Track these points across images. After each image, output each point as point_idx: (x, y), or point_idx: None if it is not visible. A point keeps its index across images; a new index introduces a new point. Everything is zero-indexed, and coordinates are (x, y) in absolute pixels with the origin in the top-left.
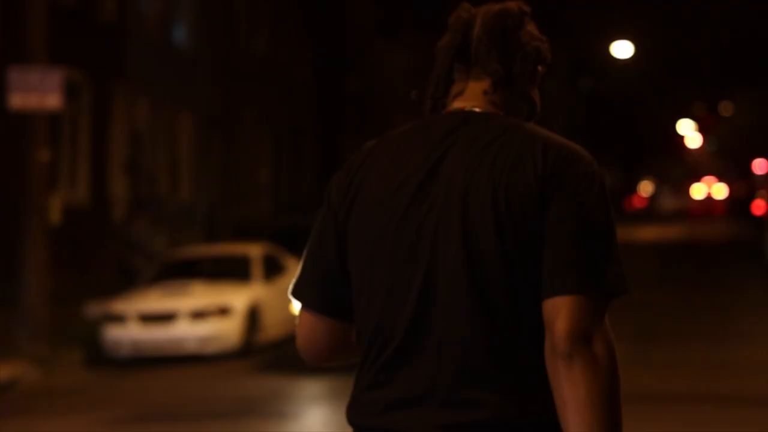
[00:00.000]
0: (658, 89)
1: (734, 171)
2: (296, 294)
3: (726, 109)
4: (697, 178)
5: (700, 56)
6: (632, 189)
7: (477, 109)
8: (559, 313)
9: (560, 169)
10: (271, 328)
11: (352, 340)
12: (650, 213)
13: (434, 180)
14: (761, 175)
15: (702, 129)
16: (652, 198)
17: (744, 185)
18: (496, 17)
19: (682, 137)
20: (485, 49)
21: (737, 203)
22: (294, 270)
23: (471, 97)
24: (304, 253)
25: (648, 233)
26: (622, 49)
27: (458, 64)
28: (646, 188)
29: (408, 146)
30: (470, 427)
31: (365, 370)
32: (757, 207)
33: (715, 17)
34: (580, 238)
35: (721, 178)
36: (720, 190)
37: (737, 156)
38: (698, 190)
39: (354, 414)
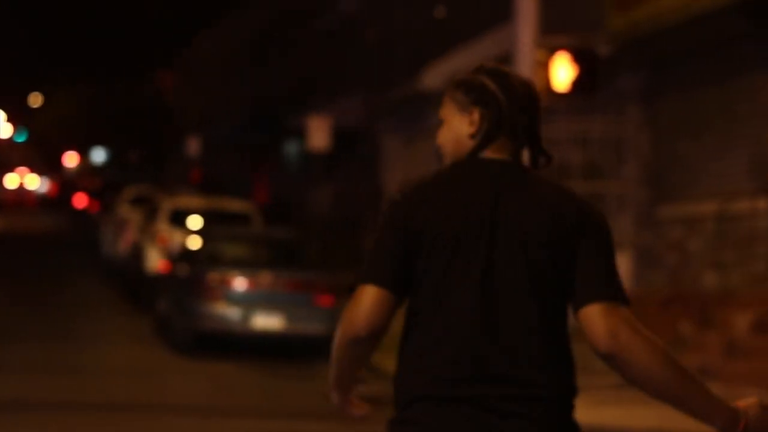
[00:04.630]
0: None
1: (47, 163)
2: (366, 276)
3: (36, 100)
4: (10, 169)
5: (12, 47)
6: None
7: (506, 159)
8: (596, 317)
9: (585, 218)
10: None
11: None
12: None
13: (496, 219)
14: (72, 168)
15: (12, 119)
16: None
17: (59, 177)
18: (533, 96)
19: None
20: (516, 119)
21: (54, 195)
22: None
23: (500, 150)
24: (368, 254)
25: None
26: None
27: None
28: None
29: (464, 188)
30: (522, 400)
31: (429, 350)
32: (79, 200)
33: (32, 14)
34: (603, 265)
35: (33, 169)
36: (33, 181)
37: (48, 148)
38: (11, 181)
39: (416, 384)
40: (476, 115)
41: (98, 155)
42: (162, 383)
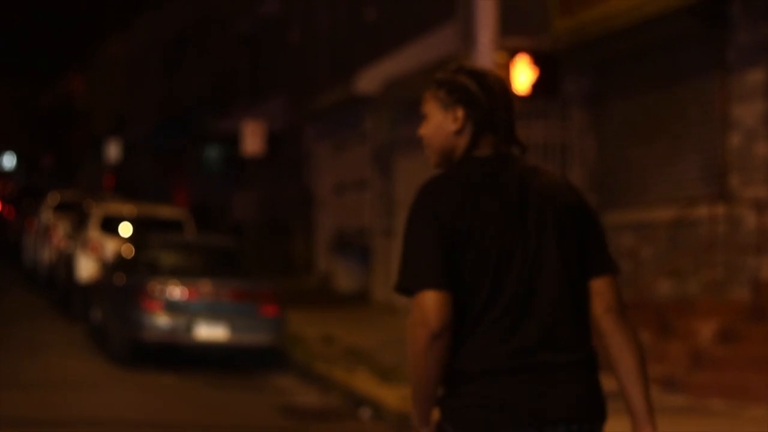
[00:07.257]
0: None
1: None
2: (421, 282)
3: None
4: None
5: None
6: None
7: (501, 153)
8: (609, 286)
9: (581, 199)
10: None
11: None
12: None
13: (526, 205)
14: None
15: None
16: None
17: None
18: (508, 93)
19: None
20: (505, 119)
21: None
22: None
23: (486, 146)
24: (413, 254)
25: None
26: None
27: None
28: None
29: (491, 184)
30: (570, 365)
31: (482, 330)
32: None
33: None
34: (603, 239)
35: None
36: None
37: None
38: None
39: (476, 362)
40: (460, 113)
41: (8, 160)
42: (101, 396)
